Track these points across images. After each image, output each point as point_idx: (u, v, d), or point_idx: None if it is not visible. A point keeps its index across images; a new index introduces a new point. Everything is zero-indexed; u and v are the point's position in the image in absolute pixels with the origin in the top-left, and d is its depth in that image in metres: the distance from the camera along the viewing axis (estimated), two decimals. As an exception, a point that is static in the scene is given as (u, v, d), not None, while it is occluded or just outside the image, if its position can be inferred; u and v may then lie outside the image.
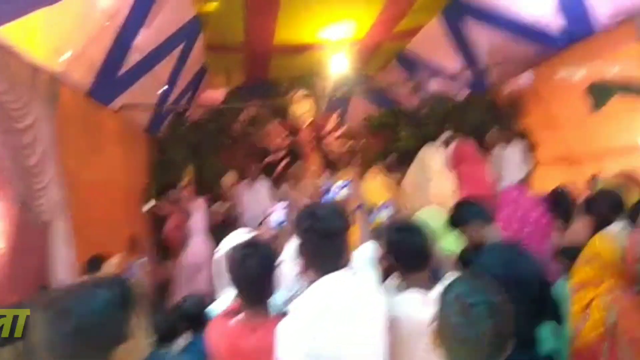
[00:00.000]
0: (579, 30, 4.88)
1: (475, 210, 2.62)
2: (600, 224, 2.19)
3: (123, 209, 5.05)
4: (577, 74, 5.33)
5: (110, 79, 4.34)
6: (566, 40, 5.09)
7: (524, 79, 6.01)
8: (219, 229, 5.46)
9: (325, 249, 1.61)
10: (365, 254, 1.88)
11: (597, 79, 4.89)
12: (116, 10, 3.74)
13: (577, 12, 4.76)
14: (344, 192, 2.07)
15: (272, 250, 1.84)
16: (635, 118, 4.88)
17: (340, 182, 2.09)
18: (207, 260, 4.66)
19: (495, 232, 2.60)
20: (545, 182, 5.05)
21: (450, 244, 2.76)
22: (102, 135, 4.58)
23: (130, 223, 5.19)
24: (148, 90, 5.23)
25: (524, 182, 5.61)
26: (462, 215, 2.63)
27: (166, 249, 5.87)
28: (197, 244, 5.54)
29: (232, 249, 1.81)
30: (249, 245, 1.79)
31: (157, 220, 5.91)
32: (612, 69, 4.60)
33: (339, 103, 7.92)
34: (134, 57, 4.44)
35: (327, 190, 2.07)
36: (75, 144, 3.90)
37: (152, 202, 5.74)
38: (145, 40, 4.42)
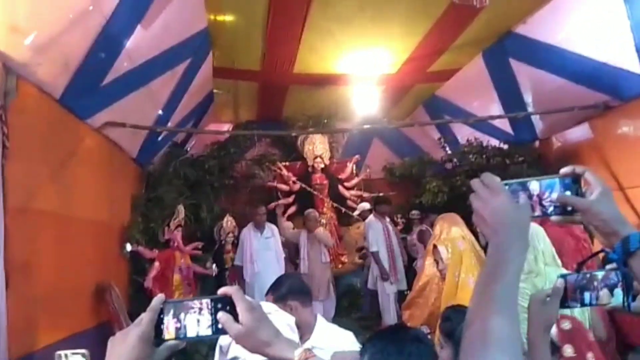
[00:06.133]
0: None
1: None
2: None
3: (94, 250, 4.03)
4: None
5: (92, 86, 3.45)
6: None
7: (581, 130, 5.16)
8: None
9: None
10: None
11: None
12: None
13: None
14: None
15: None
16: None
17: None
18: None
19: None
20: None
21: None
22: (74, 156, 3.62)
23: (102, 268, 4.16)
24: (140, 109, 4.34)
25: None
26: None
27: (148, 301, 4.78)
28: None
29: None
30: None
31: (138, 266, 4.90)
32: None
33: (358, 147, 7.08)
34: (124, 63, 3.58)
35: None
36: (30, 161, 2.95)
37: (130, 245, 4.72)
38: (141, 43, 3.58)
